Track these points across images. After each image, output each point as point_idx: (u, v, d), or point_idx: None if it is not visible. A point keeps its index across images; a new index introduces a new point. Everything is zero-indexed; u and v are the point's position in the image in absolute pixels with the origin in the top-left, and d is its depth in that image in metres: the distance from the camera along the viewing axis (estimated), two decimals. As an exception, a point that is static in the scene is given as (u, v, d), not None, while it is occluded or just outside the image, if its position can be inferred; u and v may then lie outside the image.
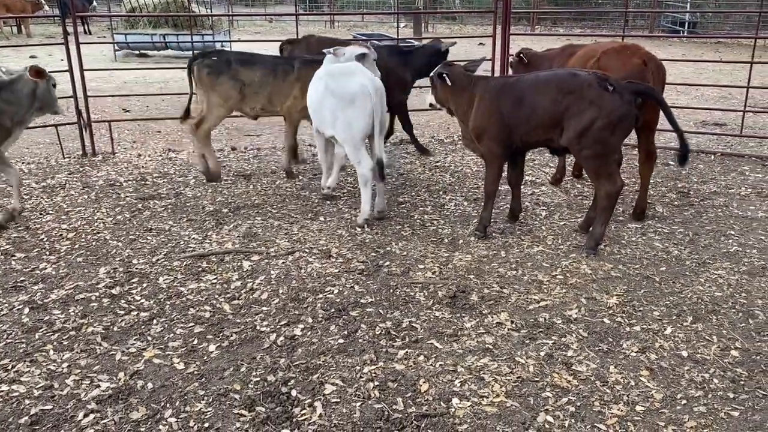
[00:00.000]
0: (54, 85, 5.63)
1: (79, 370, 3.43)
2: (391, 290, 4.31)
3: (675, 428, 3.00)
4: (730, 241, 5.13)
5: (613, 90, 4.51)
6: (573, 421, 3.05)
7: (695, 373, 3.41)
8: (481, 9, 27.29)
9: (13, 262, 4.73)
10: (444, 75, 4.95)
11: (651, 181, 5.72)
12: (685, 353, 3.60)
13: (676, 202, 6.02)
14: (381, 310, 4.04)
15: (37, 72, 5.30)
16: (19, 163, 7.25)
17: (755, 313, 4.02)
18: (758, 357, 3.56)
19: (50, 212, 5.74)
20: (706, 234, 5.27)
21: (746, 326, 3.88)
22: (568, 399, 3.20)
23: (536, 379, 3.35)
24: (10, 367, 3.44)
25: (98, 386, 3.29)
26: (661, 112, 4.82)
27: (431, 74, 5.15)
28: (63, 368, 3.45)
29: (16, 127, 5.44)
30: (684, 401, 3.19)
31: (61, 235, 5.24)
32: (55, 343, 3.69)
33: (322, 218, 5.60)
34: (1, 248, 4.97)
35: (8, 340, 3.71)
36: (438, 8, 28.22)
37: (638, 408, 3.13)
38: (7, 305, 4.10)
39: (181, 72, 13.36)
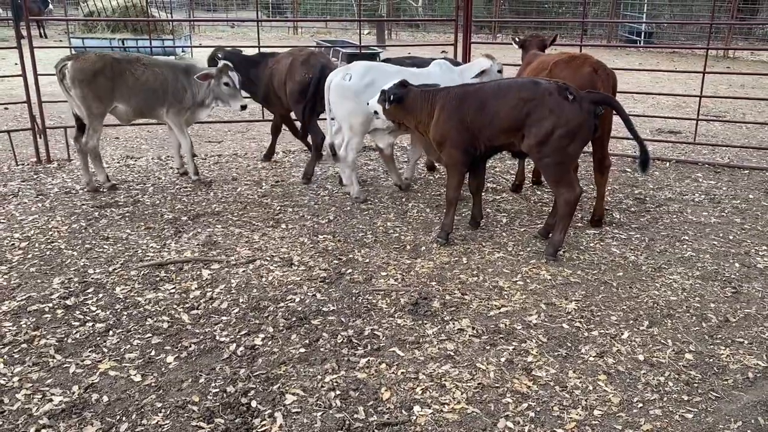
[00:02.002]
0: (227, 84, 6.32)
1: (31, 384, 3.32)
2: (354, 298, 4.29)
3: (631, 431, 3.05)
4: (685, 246, 5.26)
5: (573, 99, 4.60)
6: (533, 426, 3.07)
7: (651, 377, 3.48)
8: (443, 17, 27.52)
9: (-39, 273, 4.57)
10: (397, 96, 5.03)
11: (608, 188, 5.84)
12: (641, 357, 3.67)
13: (632, 209, 6.15)
14: (343, 318, 4.02)
15: (205, 76, 6.25)
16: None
17: (708, 316, 4.13)
18: (711, 360, 3.65)
19: (2, 221, 5.57)
20: (662, 239, 5.39)
21: (700, 329, 3.98)
22: (528, 404, 3.23)
23: (497, 385, 3.38)
24: (-43, 382, 3.32)
25: (51, 400, 3.20)
26: (620, 120, 4.92)
27: (384, 90, 5.15)
28: (14, 382, 3.34)
29: (196, 107, 6.53)
30: (640, 404, 3.25)
31: (13, 244, 5.08)
32: (5, 356, 3.57)
33: (283, 226, 5.56)
34: (-50, 258, 4.80)
35: (-44, 354, 3.58)
36: (401, 16, 28.38)
37: (596, 412, 3.18)
38: (-46, 318, 3.96)
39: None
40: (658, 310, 4.20)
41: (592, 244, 5.26)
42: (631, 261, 4.96)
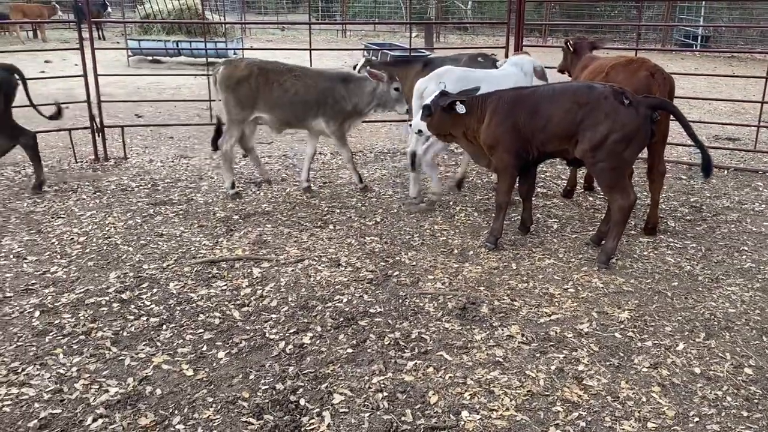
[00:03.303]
0: (396, 89, 6.23)
1: (89, 375, 3.43)
2: (401, 300, 4.29)
3: (687, 446, 2.97)
4: (744, 257, 5.09)
5: (629, 104, 4.50)
6: (584, 436, 3.01)
7: (708, 391, 3.37)
8: (494, 20, 27.31)
9: (24, 265, 4.75)
10: (456, 103, 4.92)
11: (663, 195, 5.69)
12: (697, 370, 3.56)
13: (688, 217, 5.98)
14: (390, 320, 4.03)
15: (372, 74, 6.14)
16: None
17: (769, 330, 3.98)
18: (772, 375, 3.52)
19: (62, 216, 5.77)
20: (719, 249, 5.22)
21: (760, 343, 3.84)
22: (579, 414, 3.17)
23: (546, 393, 3.33)
24: (20, 370, 3.45)
25: (107, 391, 3.29)
26: (677, 126, 4.80)
27: (428, 105, 5.05)
28: (72, 372, 3.45)
29: (355, 116, 6.38)
30: (696, 419, 3.16)
31: (72, 239, 5.26)
32: (64, 347, 3.69)
33: (331, 227, 5.60)
34: (14, 251, 4.99)
35: (19, 343, 3.72)
36: (450, 18, 28.29)
37: (650, 425, 3.10)
38: (18, 308, 4.12)
39: (192, 78, 13.52)
40: (716, 322, 4.07)
41: (645, 253, 5.14)
42: (687, 271, 4.82)
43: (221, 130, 6.29)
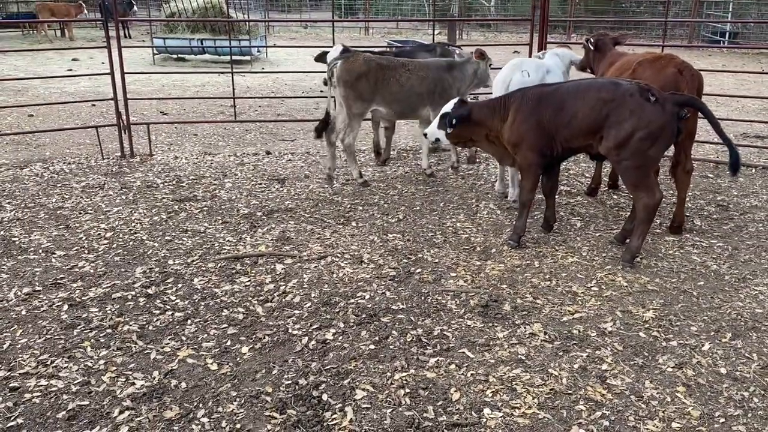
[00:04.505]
0: (490, 65, 6.73)
1: (115, 368, 3.49)
2: (423, 297, 4.29)
3: (713, 447, 2.93)
4: (772, 256, 5.01)
5: (655, 101, 4.45)
6: (607, 435, 2.99)
7: (734, 391, 3.33)
8: (517, 17, 27.12)
9: (53, 260, 4.84)
10: (464, 116, 4.93)
11: (689, 194, 5.61)
12: (723, 370, 3.51)
13: (715, 216, 5.89)
14: (412, 317, 4.03)
15: (480, 54, 6.54)
16: (60, 163, 7.44)
17: (798, 331, 3.91)
18: (801, 377, 3.46)
19: (89, 212, 5.87)
20: (747, 249, 5.14)
21: (788, 345, 3.77)
22: (602, 413, 3.15)
23: (569, 391, 3.31)
24: (48, 363, 3.52)
25: (133, 384, 3.35)
26: (707, 124, 4.73)
27: (448, 113, 5.02)
28: (100, 365, 3.51)
29: None
30: (722, 419, 3.12)
31: (99, 234, 5.35)
32: (92, 340, 3.76)
33: (354, 224, 5.62)
34: (43, 246, 5.09)
35: (47, 336, 3.79)
36: (473, 15, 28.16)
37: (674, 425, 3.07)
38: (47, 302, 4.20)
39: (217, 76, 13.65)
40: (743, 323, 4.01)
41: (671, 252, 5.08)
42: (713, 270, 4.75)
43: (328, 121, 6.54)
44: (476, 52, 6.61)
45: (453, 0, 27.82)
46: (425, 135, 5.28)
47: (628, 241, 4.94)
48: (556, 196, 5.53)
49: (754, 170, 7.43)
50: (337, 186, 6.68)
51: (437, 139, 5.18)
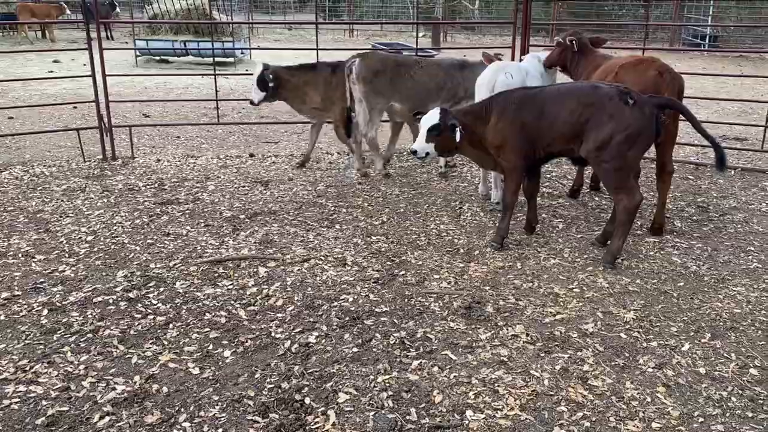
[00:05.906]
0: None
1: (96, 373, 3.46)
2: (406, 300, 4.30)
3: (692, 446, 2.96)
4: (750, 257, 5.07)
5: (634, 103, 4.50)
6: (588, 436, 3.02)
7: (713, 391, 3.37)
8: (501, 20, 27.26)
9: (33, 264, 4.79)
10: (458, 128, 4.85)
11: (670, 195, 5.67)
12: (702, 370, 3.55)
13: (695, 217, 5.96)
14: (395, 320, 4.04)
15: (489, 59, 6.45)
16: (40, 166, 7.36)
17: (775, 331, 3.97)
18: (778, 376, 3.51)
19: (70, 215, 5.81)
20: (726, 250, 5.21)
21: (766, 344, 3.82)
22: (584, 414, 3.17)
23: (551, 392, 3.33)
24: (28, 368, 3.48)
25: (114, 389, 3.32)
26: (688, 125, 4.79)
27: (436, 125, 4.88)
28: (80, 370, 3.48)
29: (467, 99, 6.75)
30: (701, 419, 3.15)
31: (80, 237, 5.30)
32: (72, 345, 3.72)
33: (338, 226, 5.61)
34: (22, 250, 5.03)
35: (27, 341, 3.75)
36: (457, 18, 28.26)
37: (654, 425, 3.10)
38: (26, 306, 4.15)
39: (200, 78, 13.57)
40: (721, 323, 4.07)
41: (651, 253, 5.13)
42: (693, 271, 4.81)
43: (351, 117, 6.88)
44: (485, 56, 6.63)
45: (437, 3, 27.90)
46: (414, 153, 4.95)
47: (609, 242, 4.98)
48: (538, 198, 5.57)
49: (733, 172, 7.53)
50: (321, 188, 6.68)
51: (427, 154, 4.99)
